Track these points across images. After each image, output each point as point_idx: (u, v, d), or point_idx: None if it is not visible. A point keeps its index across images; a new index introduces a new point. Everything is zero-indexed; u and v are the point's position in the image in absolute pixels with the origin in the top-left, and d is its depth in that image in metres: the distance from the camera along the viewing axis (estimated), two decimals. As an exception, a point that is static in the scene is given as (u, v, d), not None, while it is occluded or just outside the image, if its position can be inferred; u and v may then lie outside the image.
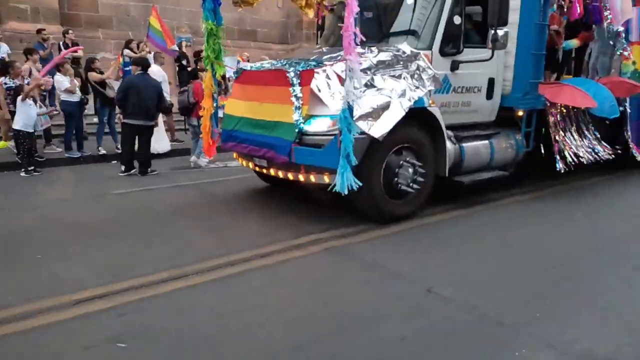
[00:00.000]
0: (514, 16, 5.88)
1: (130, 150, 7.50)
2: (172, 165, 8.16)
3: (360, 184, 4.43)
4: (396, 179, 5.00)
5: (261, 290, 3.54)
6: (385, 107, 4.71)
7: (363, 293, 3.50)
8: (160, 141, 8.59)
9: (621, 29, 7.01)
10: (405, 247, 4.45)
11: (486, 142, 5.93)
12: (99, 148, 8.80)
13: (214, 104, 6.11)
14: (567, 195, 6.41)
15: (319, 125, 4.72)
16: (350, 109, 4.23)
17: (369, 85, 4.79)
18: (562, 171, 6.20)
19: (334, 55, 5.08)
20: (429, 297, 3.43)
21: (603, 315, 3.23)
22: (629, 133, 7.34)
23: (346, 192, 4.34)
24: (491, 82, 5.84)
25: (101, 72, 8.89)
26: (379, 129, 4.60)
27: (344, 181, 4.30)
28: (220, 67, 6.06)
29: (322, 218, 5.15)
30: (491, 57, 5.24)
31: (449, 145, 5.50)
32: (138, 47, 10.94)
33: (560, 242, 4.62)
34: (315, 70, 4.77)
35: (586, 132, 6.47)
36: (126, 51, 10.91)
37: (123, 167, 7.51)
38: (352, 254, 4.24)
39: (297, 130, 4.73)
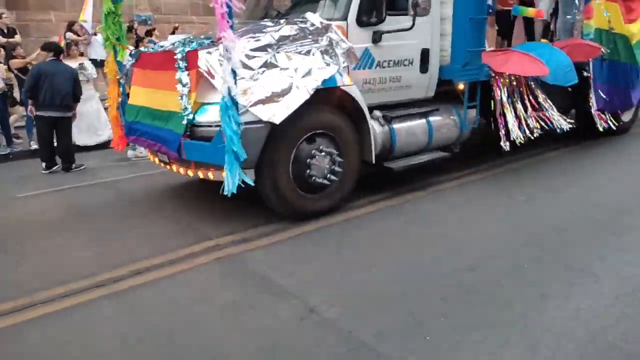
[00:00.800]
0: (448, -23, 5.21)
1: (48, 145, 6.88)
2: (114, 157, 7.45)
3: (252, 182, 3.85)
4: (308, 171, 4.41)
5: (95, 324, 2.95)
6: (288, 89, 4.08)
7: (225, 321, 2.94)
8: (89, 132, 7.97)
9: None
10: (308, 252, 3.87)
11: (422, 121, 5.31)
12: (30, 143, 8.18)
13: (121, 91, 5.48)
14: (516, 175, 5.80)
15: (210, 115, 4.08)
16: (230, 95, 3.60)
17: (270, 64, 4.15)
18: (507, 149, 5.58)
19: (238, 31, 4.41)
20: (307, 320, 2.88)
21: (507, 334, 2.68)
22: (593, 101, 6.70)
23: (235, 192, 3.76)
24: (425, 53, 5.18)
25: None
26: (278, 114, 3.98)
27: (233, 180, 3.72)
28: (123, 50, 5.41)
29: (236, 217, 4.57)
30: (412, 26, 4.55)
31: (375, 127, 4.89)
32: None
33: (486, 236, 4.04)
34: (201, 50, 4.11)
35: (542, 103, 5.82)
36: (69, 34, 10.16)
37: (44, 165, 6.91)
38: (243, 265, 3.67)
39: (184, 121, 4.11)
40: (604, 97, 6.81)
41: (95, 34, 10.24)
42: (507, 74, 5.55)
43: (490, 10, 6.57)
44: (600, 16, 6.66)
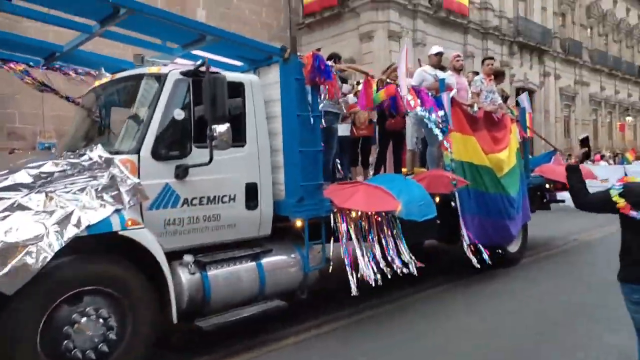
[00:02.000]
0: (275, 108, 4.85)
1: None
2: None
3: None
4: (67, 342, 3.38)
5: None
6: (36, 238, 3.22)
7: None
8: None
9: (439, 114, 6.21)
10: None
11: (251, 264, 4.54)
12: None
13: None
14: (374, 324, 5.01)
15: None
16: None
17: (20, 207, 3.34)
18: (355, 293, 4.83)
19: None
20: None
21: None
22: (463, 233, 6.25)
23: None
24: (252, 188, 4.58)
25: None
26: (6, 282, 3.06)
27: None
28: None
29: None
30: (210, 161, 3.97)
31: (182, 276, 4.05)
32: None
33: None
34: None
35: (395, 240, 5.24)
36: None
37: None
38: None
39: None
40: (476, 229, 6.42)
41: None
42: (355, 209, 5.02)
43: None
44: (459, 148, 6.51)
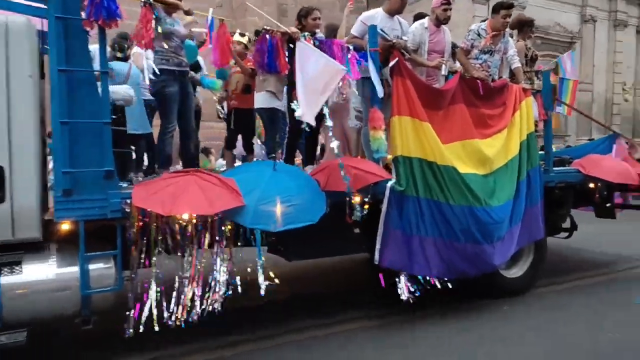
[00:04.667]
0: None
1: None
2: None
3: None
4: None
5: None
6: None
7: None
8: None
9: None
10: None
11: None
12: None
13: None
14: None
15: None
16: None
17: None
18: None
19: None
20: None
21: None
22: (376, 255, 4.25)
23: None
24: (-5, 174, 3.28)
25: None
26: None
27: None
28: None
29: None
30: None
31: None
32: None
33: None
34: None
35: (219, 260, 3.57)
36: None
37: None
38: None
39: None
40: (426, 256, 4.39)
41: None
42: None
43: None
44: (405, 139, 4.45)
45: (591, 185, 6.10)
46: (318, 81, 3.80)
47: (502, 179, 4.91)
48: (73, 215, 3.37)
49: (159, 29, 3.96)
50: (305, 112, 3.81)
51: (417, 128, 4.47)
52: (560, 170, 5.88)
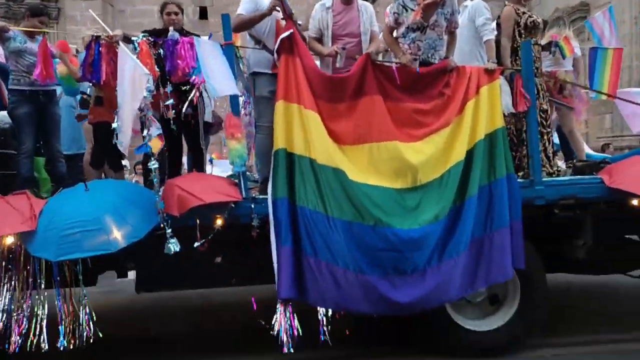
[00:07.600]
0: None
1: None
2: None
3: None
4: None
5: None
6: None
7: None
8: None
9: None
10: None
11: None
12: None
13: None
14: None
15: None
16: None
17: None
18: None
19: None
20: None
21: None
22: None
23: None
24: None
25: None
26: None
27: None
28: None
29: None
30: None
31: None
32: None
33: None
34: None
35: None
36: None
37: None
38: None
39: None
40: (313, 280, 3.42)
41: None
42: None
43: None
44: (284, 130, 3.57)
45: (634, 202, 4.23)
46: (132, 89, 3.21)
47: (430, 196, 3.65)
48: None
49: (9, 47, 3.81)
50: (124, 130, 3.26)
51: (302, 117, 3.57)
52: (561, 181, 4.21)
